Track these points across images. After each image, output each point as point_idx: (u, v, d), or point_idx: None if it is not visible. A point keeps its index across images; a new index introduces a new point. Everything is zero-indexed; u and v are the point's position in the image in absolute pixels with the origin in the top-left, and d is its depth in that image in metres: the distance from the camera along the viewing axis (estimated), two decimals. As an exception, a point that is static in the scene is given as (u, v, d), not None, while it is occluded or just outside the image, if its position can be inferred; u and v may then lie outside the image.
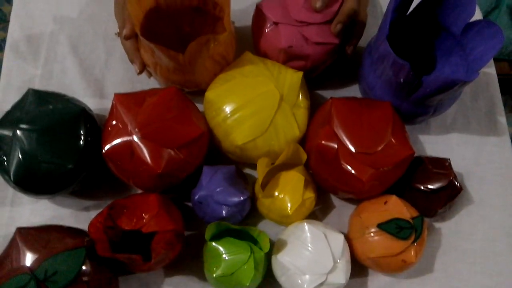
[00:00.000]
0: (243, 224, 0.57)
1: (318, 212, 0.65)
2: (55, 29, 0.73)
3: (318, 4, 0.59)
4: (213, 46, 0.57)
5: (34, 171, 0.56)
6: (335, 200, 0.66)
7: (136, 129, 0.55)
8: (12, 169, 0.55)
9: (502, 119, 0.71)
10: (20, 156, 0.55)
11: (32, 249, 0.52)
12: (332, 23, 0.60)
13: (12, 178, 0.56)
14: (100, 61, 0.72)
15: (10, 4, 1.45)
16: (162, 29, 0.66)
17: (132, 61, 0.61)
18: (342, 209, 0.65)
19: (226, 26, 0.58)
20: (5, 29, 1.47)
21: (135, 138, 0.55)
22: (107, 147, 0.56)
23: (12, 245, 0.54)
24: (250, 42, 0.68)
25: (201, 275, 0.61)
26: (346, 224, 0.63)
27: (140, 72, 0.61)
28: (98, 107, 0.67)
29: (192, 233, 0.64)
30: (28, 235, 0.54)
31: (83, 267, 0.52)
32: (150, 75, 0.65)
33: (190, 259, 0.61)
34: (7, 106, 0.60)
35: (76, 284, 0.51)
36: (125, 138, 0.55)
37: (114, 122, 0.57)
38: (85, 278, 0.52)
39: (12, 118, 0.58)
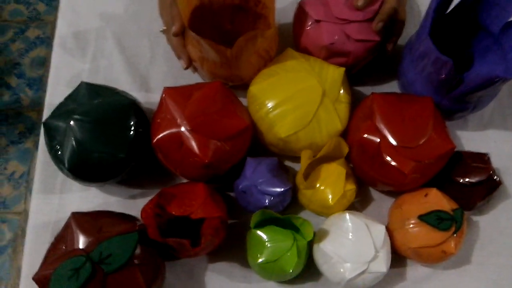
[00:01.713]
0: (284, 214, 0.59)
1: (357, 204, 0.67)
2: (101, 26, 0.76)
3: (360, 3, 0.60)
4: (259, 42, 0.59)
5: (87, 159, 0.58)
6: (373, 192, 0.68)
7: (185, 122, 0.57)
8: (67, 157, 0.58)
9: (539, 116, 0.72)
10: (74, 145, 0.58)
11: (87, 233, 0.55)
12: (374, 21, 0.62)
13: (66, 166, 0.58)
14: (145, 57, 0.74)
15: (44, 3, 1.50)
16: (204, 27, 0.68)
17: (179, 57, 0.64)
18: (381, 202, 0.67)
19: (271, 22, 0.60)
20: (39, 26, 1.52)
21: (184, 130, 0.57)
22: (157, 137, 0.58)
23: (66, 229, 0.57)
24: (290, 39, 0.70)
25: (243, 262, 0.63)
26: (385, 216, 0.64)
27: (187, 67, 0.63)
28: (143, 101, 0.69)
29: (234, 222, 0.66)
30: (82, 220, 0.57)
31: (135, 251, 0.54)
32: (195, 70, 0.67)
33: (233, 246, 0.64)
34: (57, 100, 0.63)
35: (128, 267, 0.53)
36: (174, 130, 0.58)
37: (163, 114, 0.59)
38: (136, 262, 0.54)
39: (65, 109, 0.61)
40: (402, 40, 0.67)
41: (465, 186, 0.60)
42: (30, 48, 1.51)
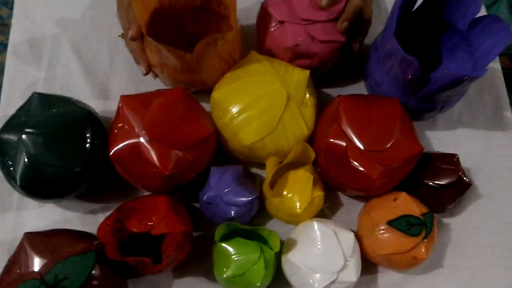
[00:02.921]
0: (251, 224, 0.57)
1: (327, 210, 0.65)
2: (58, 32, 0.73)
3: (324, 2, 0.58)
4: (220, 45, 0.56)
5: (41, 175, 0.55)
6: (343, 197, 0.66)
7: (143, 131, 0.55)
8: (18, 173, 0.55)
9: (508, 113, 0.71)
10: (26, 161, 0.55)
11: (41, 254, 0.52)
12: (338, 21, 0.60)
13: (18, 183, 0.55)
14: (104, 63, 0.71)
15: (8, 7, 1.44)
16: (166, 30, 0.65)
17: (138, 63, 0.61)
18: (351, 206, 0.65)
19: (232, 24, 0.57)
20: (2, 32, 1.46)
21: (143, 140, 0.55)
22: (114, 149, 0.55)
23: (20, 251, 0.54)
24: (255, 41, 0.68)
25: (210, 276, 0.61)
26: (355, 221, 0.63)
27: (146, 73, 0.61)
28: (103, 109, 0.67)
29: (200, 234, 0.63)
30: (36, 240, 0.54)
31: (93, 271, 0.51)
32: (156, 76, 0.64)
33: (199, 260, 0.61)
34: (11, 110, 0.60)
35: (86, 289, 0.50)
36: (132, 140, 0.55)
37: (120, 124, 0.56)
38: (95, 283, 0.51)
39: (17, 122, 0.57)
40: (369, 39, 0.65)
41: (435, 188, 0.59)
42: (-6, 54, 1.45)
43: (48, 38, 0.72)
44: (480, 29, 0.60)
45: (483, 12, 0.76)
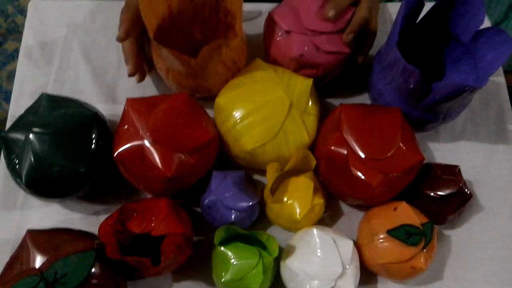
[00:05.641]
0: (251, 230, 0.57)
1: (327, 218, 0.65)
2: (68, 36, 0.74)
3: (331, 13, 0.59)
4: (225, 52, 0.57)
5: (46, 174, 0.56)
6: (344, 206, 0.66)
7: (148, 134, 0.55)
8: (24, 172, 0.56)
9: (511, 127, 0.71)
10: (32, 159, 0.56)
11: (42, 251, 0.53)
12: (344, 33, 0.60)
13: (24, 181, 0.56)
14: (112, 67, 0.73)
15: (23, 15, 1.48)
16: (174, 37, 0.67)
17: (126, 62, 0.62)
18: (351, 216, 0.65)
19: (237, 32, 0.58)
20: (18, 39, 1.50)
21: (146, 143, 0.55)
22: (118, 150, 0.56)
23: (22, 247, 0.54)
24: (261, 50, 0.69)
25: (209, 281, 0.61)
26: (355, 230, 0.62)
27: (132, 74, 0.62)
28: (110, 113, 0.68)
29: (200, 238, 0.63)
30: (38, 238, 0.55)
31: (93, 270, 0.51)
32: (141, 79, 0.65)
33: (198, 264, 0.61)
34: (20, 111, 0.61)
35: (85, 287, 0.50)
36: (136, 142, 0.56)
37: (125, 127, 0.57)
38: (94, 281, 0.51)
39: (25, 122, 0.58)
40: (374, 50, 0.66)
41: (436, 199, 0.59)
42: (8, 61, 1.48)
43: (59, 42, 0.74)
44: (483, 41, 0.60)
45: (488, 25, 0.76)
